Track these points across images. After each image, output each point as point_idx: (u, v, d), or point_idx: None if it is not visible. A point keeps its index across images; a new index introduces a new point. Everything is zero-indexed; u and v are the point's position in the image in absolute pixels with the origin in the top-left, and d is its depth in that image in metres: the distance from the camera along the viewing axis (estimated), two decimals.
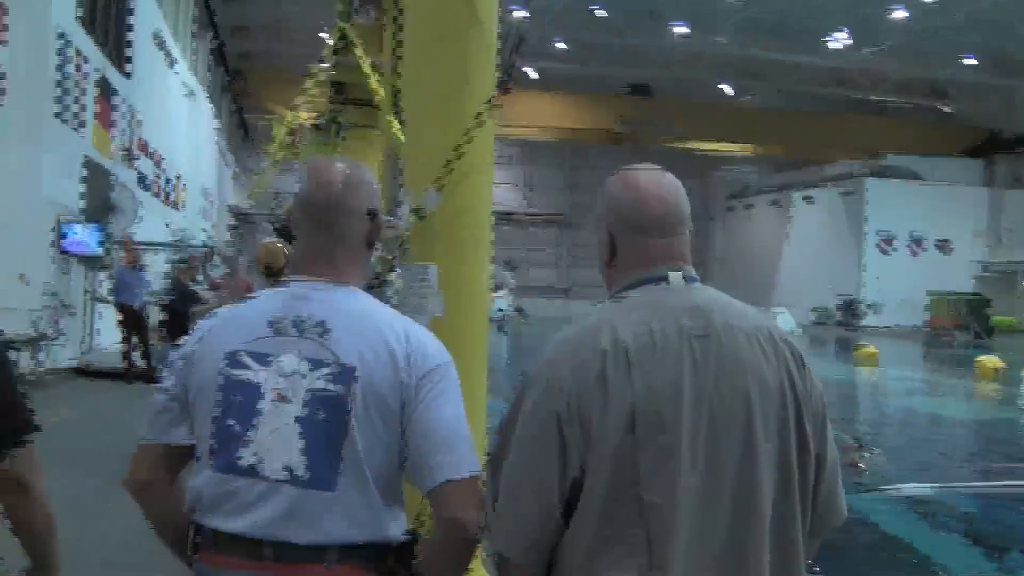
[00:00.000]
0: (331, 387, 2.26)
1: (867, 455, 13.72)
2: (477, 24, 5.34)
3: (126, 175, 21.94)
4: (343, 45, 12.56)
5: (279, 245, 7.49)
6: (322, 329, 2.31)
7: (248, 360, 2.33)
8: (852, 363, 32.52)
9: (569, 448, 2.07)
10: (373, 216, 2.47)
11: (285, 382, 2.29)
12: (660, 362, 2.09)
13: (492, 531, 2.17)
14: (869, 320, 57.27)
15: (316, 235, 2.43)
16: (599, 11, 47.74)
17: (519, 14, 36.54)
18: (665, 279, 2.25)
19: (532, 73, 57.56)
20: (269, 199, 37.57)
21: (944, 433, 18.53)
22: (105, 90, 19.94)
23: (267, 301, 2.43)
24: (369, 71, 9.66)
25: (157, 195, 27.16)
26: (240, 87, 54.12)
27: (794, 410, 2.16)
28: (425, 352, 2.34)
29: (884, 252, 59.17)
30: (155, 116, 26.20)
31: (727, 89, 62.20)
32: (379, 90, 12.17)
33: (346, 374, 2.27)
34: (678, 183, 2.37)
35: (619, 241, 2.32)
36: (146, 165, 25.07)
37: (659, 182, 2.33)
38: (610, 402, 2.05)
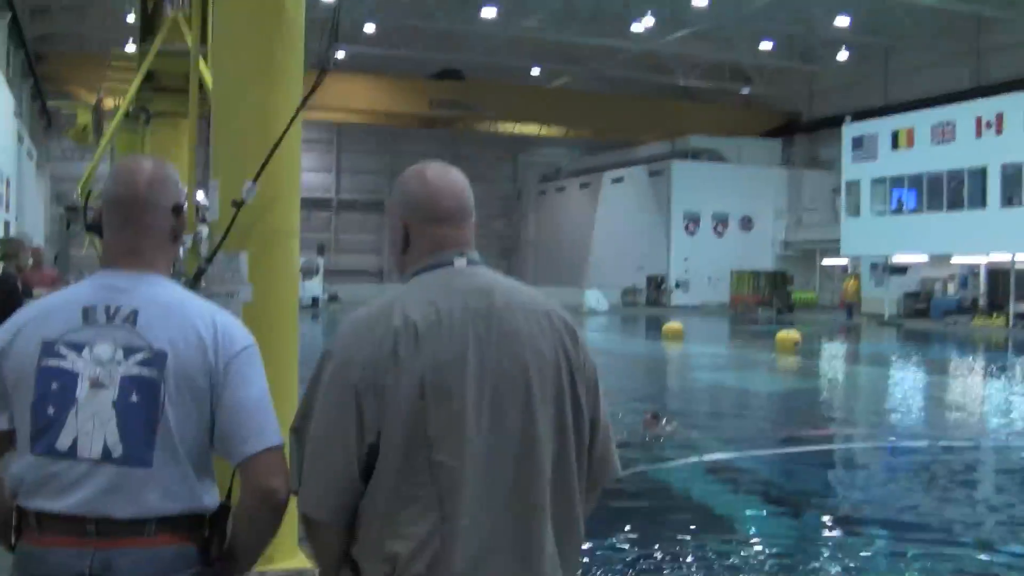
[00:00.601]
0: (144, 371, 2.43)
1: (667, 427, 14.22)
2: (283, 9, 5.44)
3: None
4: (149, 30, 12.40)
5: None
6: (134, 318, 2.47)
7: (64, 350, 2.47)
8: (659, 340, 33.44)
9: (366, 416, 2.29)
10: (178, 211, 2.64)
11: (101, 369, 2.44)
12: (446, 337, 2.33)
13: (300, 495, 2.37)
14: (677, 298, 58.72)
15: (123, 229, 2.59)
16: None
17: None
18: (451, 264, 2.49)
19: (341, 56, 57.06)
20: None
21: (746, 404, 19.24)
22: None
23: (79, 292, 2.58)
24: (200, 58, 9.53)
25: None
26: (42, 71, 52.16)
27: (568, 378, 2.45)
28: (232, 337, 2.55)
29: (690, 232, 60.71)
30: None
31: (537, 72, 62.91)
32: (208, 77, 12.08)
33: (158, 359, 2.44)
34: (464, 178, 2.64)
35: (412, 231, 2.54)
36: None
37: (448, 177, 2.60)
38: (402, 374, 2.29)
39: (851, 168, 50.86)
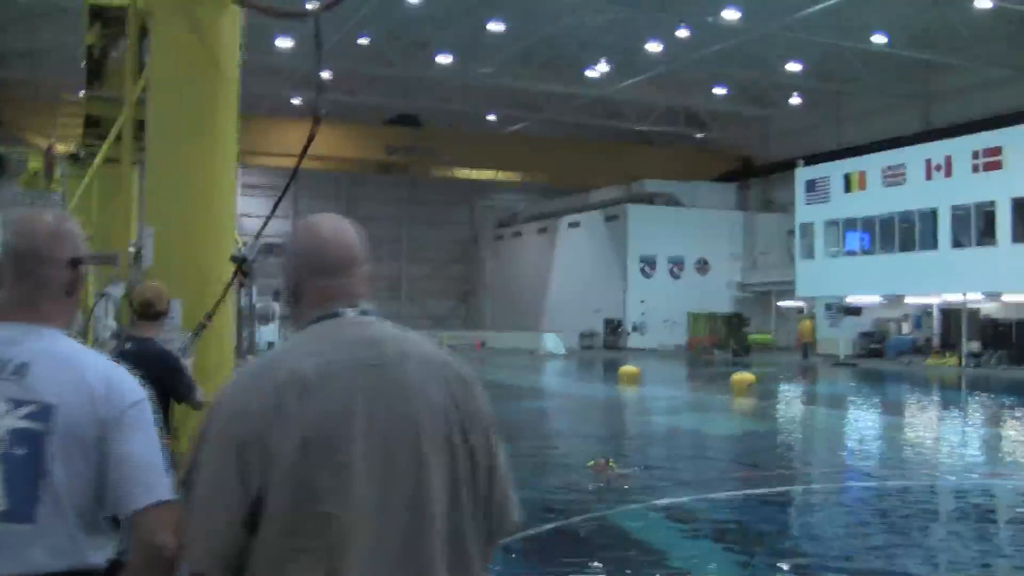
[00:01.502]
0: (30, 425, 2.39)
1: (617, 471, 14.19)
2: (217, 66, 5.44)
3: None
4: (96, 77, 12.33)
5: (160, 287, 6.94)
6: (23, 371, 2.43)
7: None
8: (615, 383, 33.43)
9: (250, 470, 2.27)
10: (75, 264, 2.60)
11: None
12: (334, 389, 2.32)
13: (185, 549, 2.35)
14: (634, 341, 58.82)
15: (19, 282, 2.57)
16: (364, 40, 47.79)
17: (282, 44, 36.12)
18: (342, 315, 2.48)
19: (297, 102, 57.18)
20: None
21: (700, 447, 19.24)
22: None
23: None
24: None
25: None
26: None
27: (460, 428, 2.45)
28: (123, 390, 2.53)
29: (646, 275, 60.90)
30: None
31: (493, 118, 63.19)
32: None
33: (45, 412, 2.41)
34: (352, 228, 2.64)
35: (302, 283, 2.55)
36: None
37: (335, 228, 2.61)
38: (287, 427, 2.26)
39: (804, 210, 51.39)
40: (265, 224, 5.20)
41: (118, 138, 8.55)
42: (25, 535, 2.37)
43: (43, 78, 48.46)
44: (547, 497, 12.55)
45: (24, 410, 2.41)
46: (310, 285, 2.53)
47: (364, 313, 2.52)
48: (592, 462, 14.35)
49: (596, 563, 9.29)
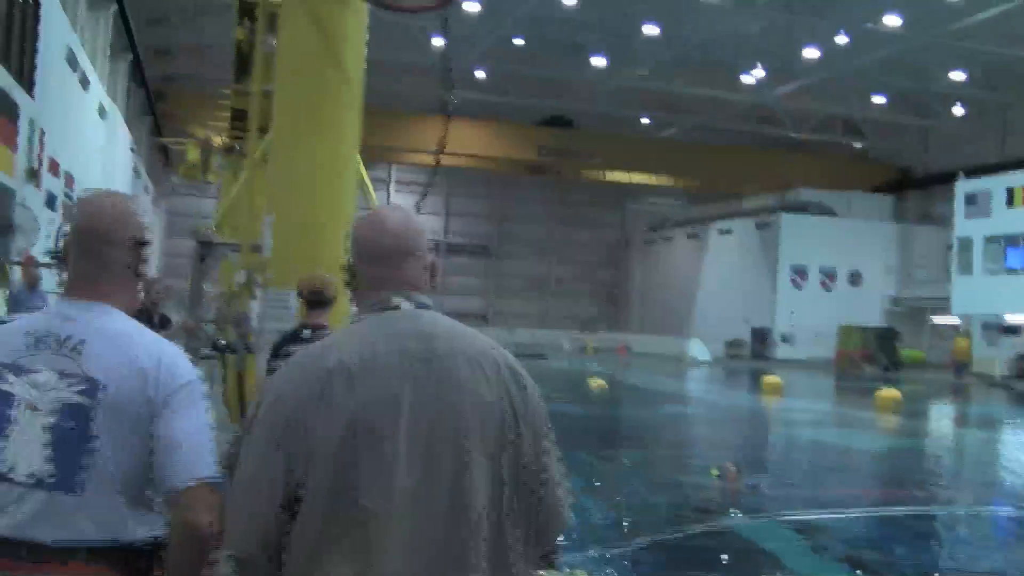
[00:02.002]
0: (76, 398, 2.46)
1: (746, 481, 14.00)
2: (342, 66, 5.54)
3: (31, 194, 21.72)
4: (243, 71, 12.63)
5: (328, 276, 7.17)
6: (78, 347, 2.51)
7: (5, 374, 2.53)
8: (757, 393, 32.98)
9: (293, 455, 2.29)
10: (138, 245, 2.67)
11: (37, 393, 2.50)
12: (381, 380, 2.33)
13: (226, 530, 2.38)
14: (782, 351, 57.94)
15: (82, 261, 2.66)
16: (519, 41, 48.08)
17: (438, 43, 36.60)
18: (397, 306, 2.49)
19: (453, 100, 57.68)
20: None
21: (836, 462, 18.86)
22: (7, 108, 19.75)
23: (32, 321, 2.68)
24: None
25: (66, 216, 26.84)
26: (162, 109, 53.74)
27: (512, 427, 2.42)
28: (175, 371, 2.60)
29: (797, 285, 59.93)
30: (66, 136, 25.96)
31: (646, 122, 62.92)
32: None
33: (92, 387, 2.48)
34: (413, 220, 2.63)
35: (358, 271, 2.57)
36: (55, 184, 24.79)
37: (394, 218, 2.60)
38: (331, 415, 2.29)
39: (964, 225, 49.85)
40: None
41: (261, 130, 8.73)
42: (72, 505, 2.46)
43: (206, 72, 49.97)
44: (674, 503, 12.47)
45: (72, 383, 2.50)
46: (365, 272, 2.55)
47: (420, 306, 2.52)
48: (717, 469, 14.17)
49: (716, 573, 9.18)
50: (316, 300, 6.80)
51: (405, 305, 2.50)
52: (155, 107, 52.24)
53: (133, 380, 2.52)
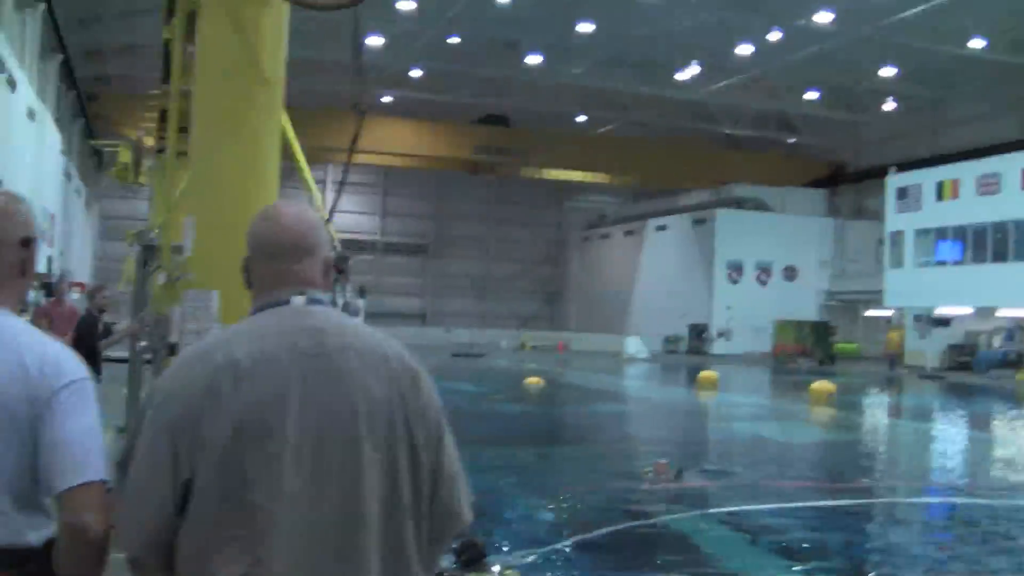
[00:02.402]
0: None
1: (680, 474, 14.09)
2: (258, 63, 5.51)
3: None
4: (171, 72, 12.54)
5: None
6: None
7: None
8: (693, 389, 33.21)
9: (180, 454, 2.27)
10: (26, 244, 2.64)
11: None
12: (270, 377, 2.31)
13: (117, 531, 2.35)
14: (719, 347, 58.38)
15: None
16: (455, 40, 48.01)
17: (375, 42, 36.46)
18: (288, 302, 2.48)
19: (388, 100, 57.62)
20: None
21: (769, 455, 19.01)
22: None
23: None
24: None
25: None
26: (94, 111, 52.99)
27: (404, 425, 2.40)
28: (60, 370, 2.52)
29: (733, 280, 60.41)
30: None
31: (583, 119, 63.11)
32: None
33: None
34: (308, 216, 2.61)
35: (253, 268, 2.55)
36: None
37: (286, 213, 2.58)
38: (219, 413, 2.27)
39: (895, 219, 50.57)
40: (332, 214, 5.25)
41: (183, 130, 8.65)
42: None
43: (138, 73, 49.38)
44: (608, 500, 12.52)
45: None
46: (259, 269, 2.53)
47: (314, 302, 2.50)
48: (649, 468, 14.24)
49: (651, 568, 9.22)
50: None
51: (297, 301, 2.48)
52: (87, 109, 51.50)
53: (15, 379, 2.45)
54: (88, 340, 12.14)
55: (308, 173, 12.92)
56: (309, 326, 2.42)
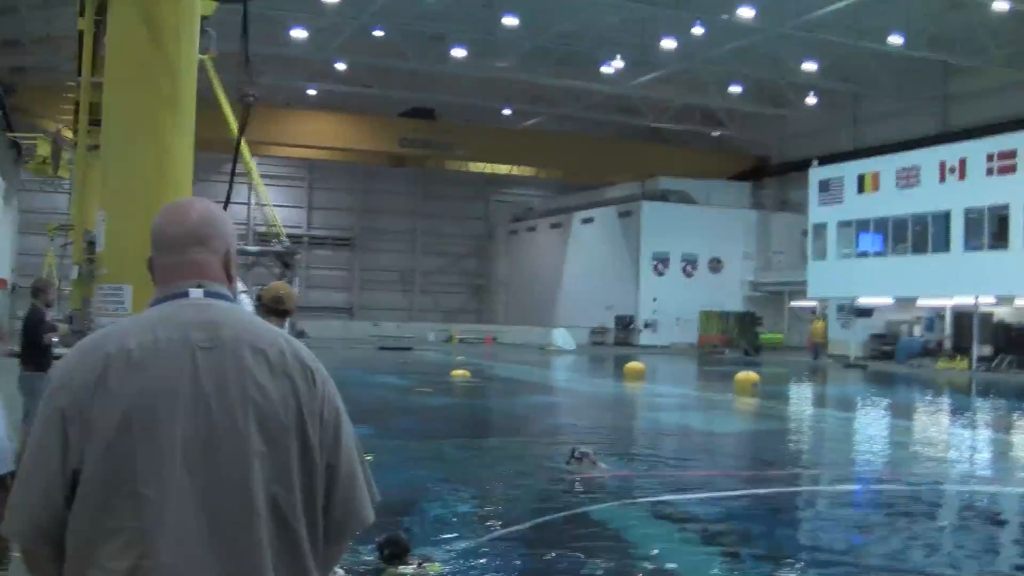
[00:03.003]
0: None
1: (600, 465, 14.12)
2: (167, 54, 5.42)
3: None
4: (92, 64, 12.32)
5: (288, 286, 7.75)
6: None
7: None
8: (620, 380, 33.42)
9: (70, 442, 2.23)
10: None
11: None
12: (161, 368, 2.29)
13: (7, 520, 2.31)
14: (645, 338, 58.80)
15: None
16: (379, 33, 47.82)
17: (299, 34, 36.21)
18: (185, 294, 2.45)
19: (312, 92, 57.30)
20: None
21: (693, 445, 19.18)
22: None
23: None
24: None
25: None
26: (12, 102, 51.93)
27: (297, 421, 2.38)
28: None
29: (659, 272, 60.85)
30: None
31: (508, 112, 63.18)
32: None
33: None
34: (209, 209, 2.59)
35: (154, 261, 2.53)
36: None
37: (182, 205, 2.59)
38: (108, 402, 2.24)
39: (818, 211, 51.23)
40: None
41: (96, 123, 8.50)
42: None
43: (57, 64, 48.53)
44: (534, 492, 12.55)
45: None
46: (157, 262, 2.52)
47: (213, 295, 2.48)
48: (572, 458, 14.26)
49: (575, 558, 9.23)
50: (275, 309, 7.19)
51: (195, 294, 2.45)
52: (4, 101, 50.47)
53: None
54: (33, 336, 12.04)
55: (252, 164, 12.90)
56: (205, 319, 2.40)
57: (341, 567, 7.78)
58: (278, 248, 12.79)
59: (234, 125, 11.74)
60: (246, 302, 9.77)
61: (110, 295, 5.45)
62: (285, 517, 2.33)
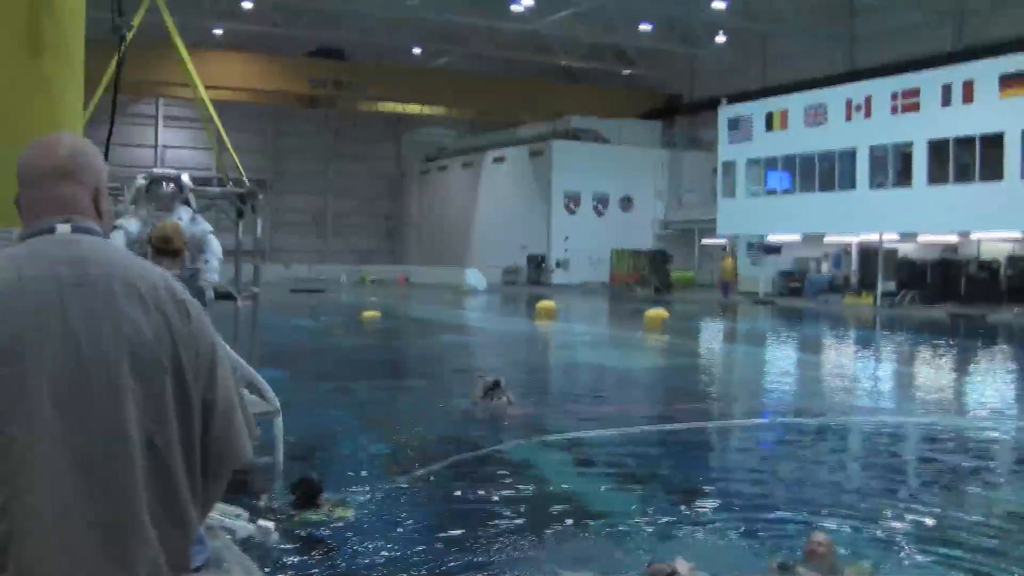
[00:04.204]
0: None
1: (503, 398, 14.12)
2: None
3: None
4: None
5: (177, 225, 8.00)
6: None
7: None
8: (532, 319, 33.54)
9: None
10: None
11: None
12: (26, 305, 2.22)
13: None
14: (557, 277, 59.01)
15: None
16: None
17: None
18: (52, 230, 2.38)
19: (219, 32, 56.24)
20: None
21: (601, 382, 19.37)
22: None
23: None
24: None
25: None
26: None
27: (171, 356, 2.33)
28: None
29: (571, 211, 60.99)
30: None
31: (418, 51, 62.63)
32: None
33: None
34: (75, 143, 2.53)
35: (21, 196, 2.46)
36: None
37: (49, 139, 2.52)
38: None
39: (727, 149, 51.62)
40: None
41: None
42: None
43: None
44: (445, 432, 12.56)
45: None
46: (24, 196, 2.45)
47: (80, 230, 2.40)
48: (485, 392, 14.22)
49: (485, 497, 9.27)
50: (164, 248, 7.31)
51: (62, 228, 2.38)
52: None
53: None
54: None
55: (211, 107, 12.69)
56: (73, 255, 2.33)
57: (254, 514, 7.75)
58: (239, 190, 12.61)
59: (191, 67, 11.62)
60: (119, 238, 9.60)
61: (0, 238, 5.29)
62: (160, 454, 2.29)
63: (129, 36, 12.20)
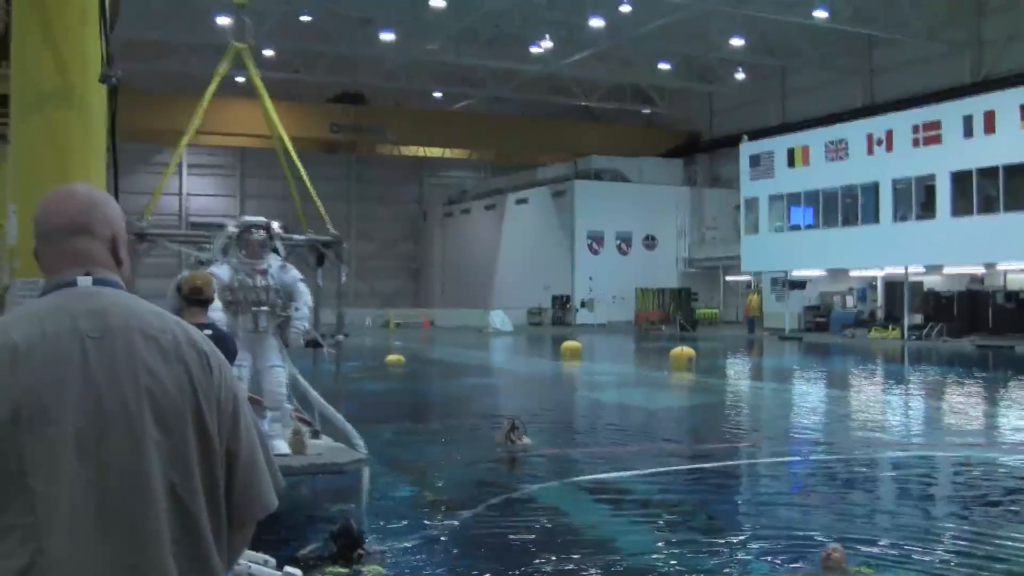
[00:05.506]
0: None
1: (523, 440, 14.05)
2: (69, 34, 5.27)
3: None
4: (4, 54, 11.94)
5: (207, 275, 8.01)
6: None
7: None
8: (557, 359, 33.46)
9: None
10: None
11: None
12: (48, 360, 2.22)
13: None
14: (582, 317, 58.99)
15: None
16: (306, 17, 47.40)
17: (224, 22, 35.65)
18: (74, 283, 2.38)
19: (240, 80, 56.59)
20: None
21: (633, 422, 19.26)
22: None
23: None
24: None
25: None
26: None
27: (193, 408, 2.33)
28: None
29: (594, 251, 61.03)
30: None
31: (439, 95, 62.96)
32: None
33: None
34: (91, 194, 2.53)
35: (39, 251, 2.47)
36: None
37: (61, 192, 2.51)
38: None
39: (749, 186, 51.64)
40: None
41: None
42: None
43: None
44: (475, 475, 12.49)
45: None
46: (44, 252, 2.46)
47: (101, 283, 2.41)
48: (509, 433, 14.14)
49: (517, 542, 9.19)
50: (196, 299, 7.27)
51: (83, 281, 2.39)
52: None
53: None
54: None
55: (295, 156, 12.78)
56: (93, 307, 2.33)
57: (281, 562, 7.67)
58: (324, 238, 12.64)
59: (274, 116, 11.71)
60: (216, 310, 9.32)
61: (24, 290, 5.30)
62: (185, 505, 2.28)
63: (212, 85, 12.38)
